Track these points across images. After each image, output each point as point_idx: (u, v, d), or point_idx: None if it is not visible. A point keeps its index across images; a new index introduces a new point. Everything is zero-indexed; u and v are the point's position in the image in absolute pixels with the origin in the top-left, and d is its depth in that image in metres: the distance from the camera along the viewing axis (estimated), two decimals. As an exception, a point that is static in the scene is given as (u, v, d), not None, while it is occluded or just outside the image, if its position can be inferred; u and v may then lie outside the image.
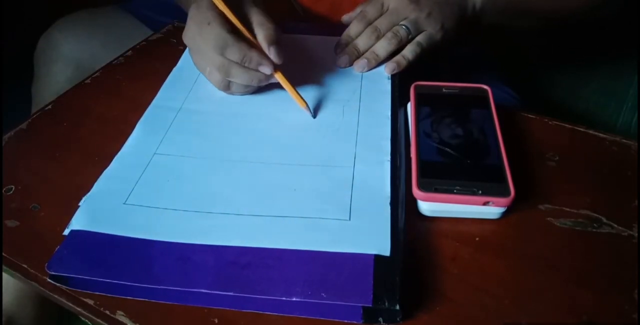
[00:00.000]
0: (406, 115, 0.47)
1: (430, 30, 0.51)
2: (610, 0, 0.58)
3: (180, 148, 0.44)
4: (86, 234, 0.37)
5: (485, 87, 0.48)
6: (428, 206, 0.39)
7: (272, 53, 0.45)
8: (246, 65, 0.45)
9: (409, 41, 0.52)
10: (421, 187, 0.39)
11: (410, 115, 0.46)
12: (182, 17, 0.61)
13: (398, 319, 0.33)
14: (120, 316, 0.34)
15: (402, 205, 0.39)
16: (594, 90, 0.78)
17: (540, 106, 0.70)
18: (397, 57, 0.52)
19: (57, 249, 0.36)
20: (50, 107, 0.52)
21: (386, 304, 0.32)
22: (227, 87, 0.48)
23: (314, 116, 0.47)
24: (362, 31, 0.53)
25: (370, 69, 0.52)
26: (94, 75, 0.55)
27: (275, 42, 0.46)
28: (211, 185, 0.41)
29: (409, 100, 0.47)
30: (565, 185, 0.42)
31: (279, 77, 0.47)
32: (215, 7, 0.46)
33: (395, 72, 0.51)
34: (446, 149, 0.42)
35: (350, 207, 0.38)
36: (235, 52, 0.44)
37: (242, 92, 0.49)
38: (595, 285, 0.35)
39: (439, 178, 0.39)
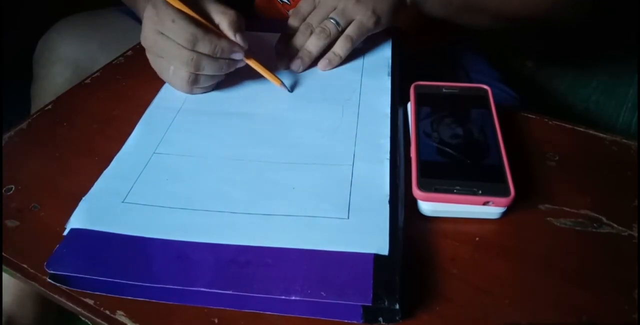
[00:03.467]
0: (406, 115, 0.47)
1: (360, 17, 0.51)
2: (571, 8, 0.56)
3: (179, 147, 0.44)
4: (85, 233, 0.37)
5: (485, 87, 0.48)
6: (428, 206, 0.39)
7: (239, 39, 0.47)
8: (218, 55, 0.46)
9: (340, 33, 0.52)
10: (421, 187, 0.39)
11: (410, 115, 0.46)
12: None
13: (398, 318, 0.33)
14: (120, 316, 0.34)
15: (402, 205, 0.39)
16: (594, 90, 0.78)
17: (540, 106, 0.70)
18: (329, 54, 0.52)
19: (56, 247, 0.36)
20: (50, 107, 0.52)
21: (386, 303, 0.32)
22: (194, 81, 0.47)
23: (291, 90, 0.50)
24: (298, 28, 0.53)
25: (307, 68, 0.52)
26: (94, 75, 0.55)
27: (240, 28, 0.47)
28: (210, 184, 0.41)
29: (408, 100, 0.47)
30: (565, 185, 0.42)
31: (250, 62, 0.49)
32: (172, 5, 0.46)
33: (328, 69, 0.52)
34: (446, 149, 0.42)
35: (349, 205, 0.38)
36: (206, 44, 0.45)
37: (207, 85, 0.49)
38: (595, 285, 0.35)
39: (439, 178, 0.39)
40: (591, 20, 0.62)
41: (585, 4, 0.56)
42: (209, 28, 0.46)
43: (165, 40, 0.45)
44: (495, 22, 0.59)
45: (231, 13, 0.47)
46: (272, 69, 0.52)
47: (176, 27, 0.44)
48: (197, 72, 0.47)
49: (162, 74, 0.49)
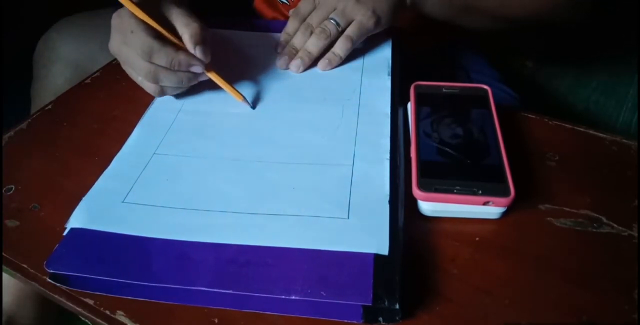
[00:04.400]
0: (406, 115, 0.47)
1: (360, 18, 0.51)
2: (571, 8, 0.56)
3: (179, 148, 0.44)
4: (85, 232, 0.37)
5: (485, 87, 0.48)
6: (428, 206, 0.39)
7: (198, 53, 0.46)
8: (175, 68, 0.45)
9: (340, 33, 0.51)
10: (421, 187, 0.39)
11: (410, 115, 0.46)
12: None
13: (397, 318, 0.33)
14: (120, 316, 0.34)
15: (402, 205, 0.39)
16: (594, 90, 0.78)
17: (540, 106, 0.70)
18: (329, 54, 0.52)
19: (56, 247, 0.36)
20: (50, 107, 0.52)
21: (386, 303, 0.32)
22: (160, 93, 0.47)
23: (253, 107, 0.48)
24: (298, 28, 0.53)
25: (306, 68, 0.52)
26: (94, 75, 0.55)
27: (201, 41, 0.46)
28: (210, 184, 0.41)
29: (408, 100, 0.47)
30: (565, 185, 0.42)
31: (211, 76, 0.48)
32: (135, 16, 0.45)
33: (328, 69, 0.52)
34: (446, 149, 0.42)
35: (349, 205, 0.38)
36: (162, 57, 0.44)
37: (176, 93, 0.49)
38: (595, 285, 0.35)
39: (439, 178, 0.39)
40: (591, 20, 0.62)
41: (585, 4, 0.56)
42: (169, 40, 0.46)
43: (128, 50, 0.45)
44: (495, 24, 0.58)
45: (194, 25, 0.46)
46: (272, 69, 0.52)
47: (134, 38, 0.44)
48: (159, 84, 0.46)
49: (136, 81, 0.48)
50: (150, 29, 0.45)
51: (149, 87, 0.47)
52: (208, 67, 0.47)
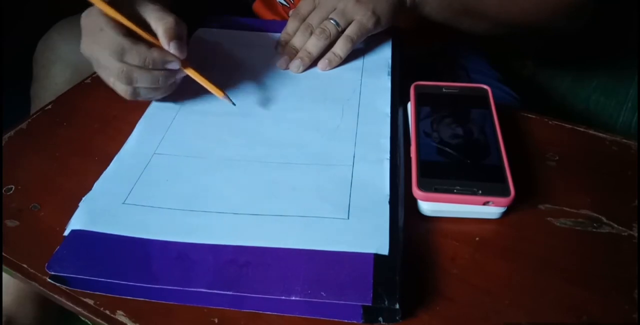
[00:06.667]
0: (406, 115, 0.47)
1: (359, 18, 0.51)
2: (571, 15, 0.57)
3: (179, 148, 0.44)
4: (86, 234, 0.37)
5: (485, 87, 0.48)
6: (428, 206, 0.39)
7: (173, 48, 0.43)
8: (150, 67, 0.43)
9: (340, 33, 0.51)
10: (421, 187, 0.39)
11: (410, 115, 0.46)
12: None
13: (398, 318, 0.33)
14: (120, 316, 0.34)
15: (402, 204, 0.39)
16: (594, 90, 0.78)
17: (540, 106, 0.70)
18: (328, 54, 0.52)
19: (57, 249, 0.36)
20: (50, 107, 0.52)
21: (386, 302, 0.32)
22: (134, 94, 0.45)
23: (235, 103, 0.47)
24: (298, 28, 0.53)
25: (306, 68, 0.52)
26: (94, 75, 0.55)
27: (176, 36, 0.43)
28: (210, 185, 0.41)
29: (408, 100, 0.47)
30: (565, 185, 0.42)
31: (189, 72, 0.46)
32: (105, 13, 0.43)
33: (328, 69, 0.52)
34: (446, 148, 0.42)
35: (349, 206, 0.38)
36: (134, 55, 0.42)
37: (151, 96, 0.46)
38: (595, 285, 0.35)
39: (439, 178, 0.39)
40: (590, 21, 0.63)
41: (585, 12, 0.57)
42: (142, 37, 0.43)
43: (99, 50, 0.43)
44: (496, 29, 0.59)
45: (168, 20, 0.43)
46: (272, 69, 0.52)
47: (104, 36, 0.42)
48: (132, 85, 0.44)
49: (108, 84, 0.46)
50: (121, 27, 0.42)
51: (121, 88, 0.44)
52: (185, 64, 0.45)
